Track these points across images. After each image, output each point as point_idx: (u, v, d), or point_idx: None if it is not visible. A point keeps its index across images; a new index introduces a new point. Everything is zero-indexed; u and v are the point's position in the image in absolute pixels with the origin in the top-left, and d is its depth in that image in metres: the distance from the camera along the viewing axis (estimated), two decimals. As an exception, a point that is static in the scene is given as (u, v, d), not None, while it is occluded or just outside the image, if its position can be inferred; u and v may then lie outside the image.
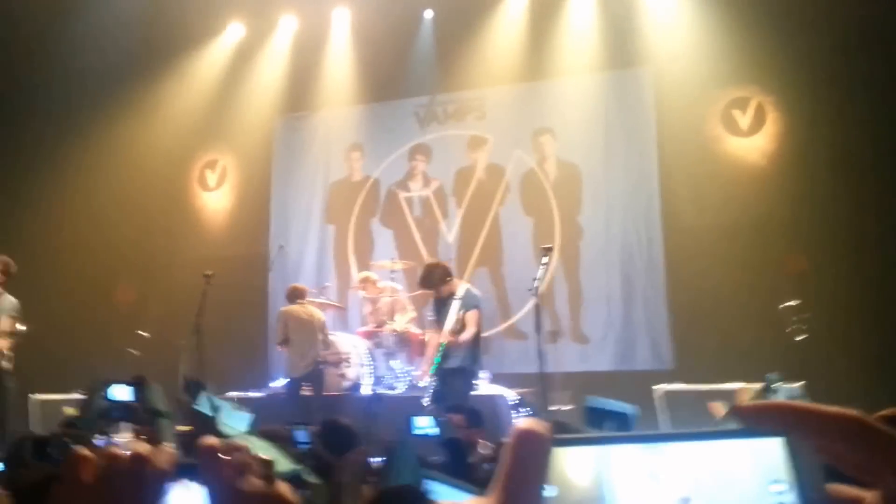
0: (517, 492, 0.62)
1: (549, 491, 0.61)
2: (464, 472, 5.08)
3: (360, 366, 10.39)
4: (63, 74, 12.81)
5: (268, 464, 0.74)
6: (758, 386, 7.66)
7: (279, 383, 10.90)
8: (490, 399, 9.43)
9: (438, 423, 6.77)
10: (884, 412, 0.64)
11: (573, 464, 0.62)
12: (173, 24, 12.94)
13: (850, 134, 10.08)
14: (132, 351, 10.98)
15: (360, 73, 13.23)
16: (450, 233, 12.57)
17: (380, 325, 10.72)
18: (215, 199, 14.16)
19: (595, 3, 12.08)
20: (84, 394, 4.85)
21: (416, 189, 12.96)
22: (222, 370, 10.57)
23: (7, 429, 8.61)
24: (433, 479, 2.77)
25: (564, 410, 9.52)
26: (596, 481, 0.62)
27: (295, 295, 10.42)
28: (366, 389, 10.29)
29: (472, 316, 8.66)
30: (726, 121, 11.24)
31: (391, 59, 12.96)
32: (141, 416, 4.88)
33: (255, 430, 4.45)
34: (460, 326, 8.61)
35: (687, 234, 11.04)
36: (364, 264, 12.45)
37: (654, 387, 8.92)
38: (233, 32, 13.89)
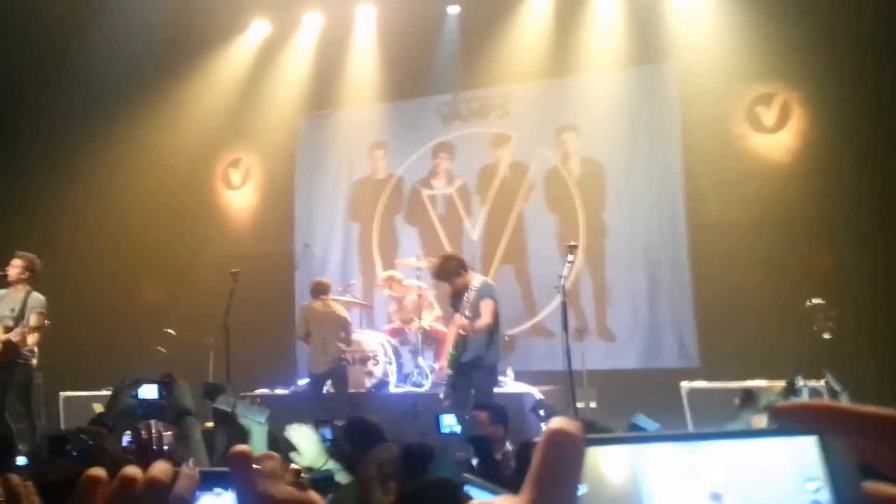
0: (549, 492, 0.61)
1: (580, 489, 0.61)
2: (491, 469, 5.09)
3: (386, 363, 10.39)
4: (88, 73, 12.87)
5: (298, 472, 0.74)
6: (781, 384, 7.63)
7: (305, 381, 10.93)
8: (515, 397, 9.43)
9: (461, 421, 6.74)
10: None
11: (607, 463, 0.62)
12: (198, 22, 12.98)
13: (875, 130, 10.01)
14: (160, 349, 11.05)
15: (383, 71, 13.23)
16: (474, 230, 12.57)
17: (406, 322, 10.73)
18: (240, 197, 14.22)
19: (619, -1, 12.05)
20: (112, 391, 4.87)
21: (440, 187, 12.97)
22: (250, 368, 10.63)
23: (35, 425, 8.71)
24: (466, 481, 2.77)
25: (590, 408, 9.52)
26: (630, 480, 0.62)
27: (318, 290, 10.39)
28: (392, 387, 10.32)
29: (486, 305, 8.46)
30: (751, 117, 11.18)
31: (415, 57, 12.96)
32: (168, 414, 4.89)
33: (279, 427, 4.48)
34: (474, 315, 8.43)
35: (712, 231, 10.98)
36: (389, 262, 12.48)
37: (681, 383, 8.89)
38: (257, 30, 13.92)
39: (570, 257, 8.36)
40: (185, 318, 11.84)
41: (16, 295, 8.69)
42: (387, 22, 13.12)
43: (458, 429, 6.61)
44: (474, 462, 5.20)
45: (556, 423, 0.62)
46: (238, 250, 12.89)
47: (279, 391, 10.85)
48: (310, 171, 13.81)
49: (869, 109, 10.01)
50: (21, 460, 4.82)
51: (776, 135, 11.06)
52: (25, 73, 12.76)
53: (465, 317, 8.39)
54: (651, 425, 5.29)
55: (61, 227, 12.51)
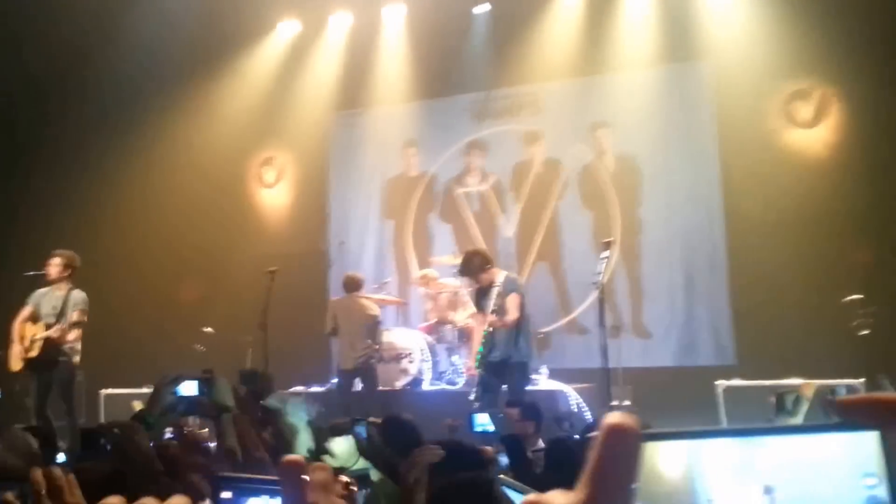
0: (607, 488, 0.61)
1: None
2: (521, 468, 5.06)
3: (422, 361, 10.39)
4: (120, 74, 12.96)
5: (347, 483, 0.75)
6: (818, 382, 7.57)
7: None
8: (549, 394, 9.41)
9: (495, 420, 6.73)
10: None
11: (662, 458, 0.63)
12: (227, 22, 13.05)
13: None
14: (199, 347, 11.13)
15: (413, 70, 13.22)
16: (508, 227, 12.56)
17: (441, 320, 10.72)
18: (273, 196, 14.29)
19: (652, -5, 11.97)
20: (154, 388, 4.91)
21: (474, 184, 12.97)
22: (285, 366, 10.66)
23: (76, 423, 8.79)
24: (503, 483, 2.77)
25: (624, 406, 9.48)
26: (685, 475, 0.63)
27: (350, 285, 10.36)
28: (427, 385, 10.33)
29: (512, 300, 8.34)
30: (788, 112, 11.08)
31: (445, 55, 12.94)
32: (207, 411, 4.93)
33: (325, 425, 4.47)
34: (500, 311, 8.31)
35: (748, 226, 10.89)
36: (424, 259, 12.49)
37: (717, 382, 8.84)
38: (286, 30, 13.94)
39: (606, 253, 8.26)
40: (221, 317, 11.90)
41: (57, 293, 8.73)
42: (416, 20, 13.13)
43: (491, 427, 6.60)
44: (504, 461, 5.16)
45: (615, 417, 0.62)
46: (272, 249, 12.93)
47: (314, 389, 10.88)
48: (342, 170, 13.85)
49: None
50: (61, 457, 4.88)
51: (813, 130, 10.96)
52: (58, 74, 12.85)
53: (493, 312, 8.34)
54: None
55: (97, 229, 12.58)
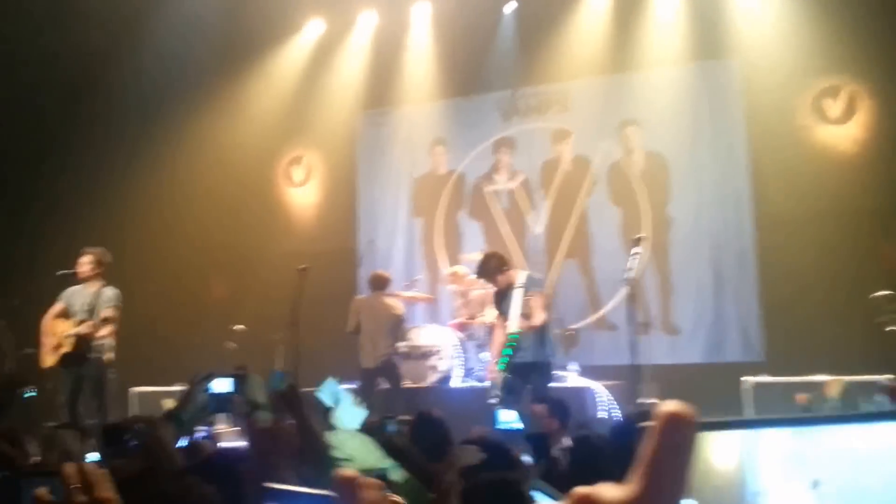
0: (663, 479, 0.59)
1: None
2: (544, 466, 5.03)
3: (451, 358, 10.38)
4: (148, 76, 13.02)
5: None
6: (846, 378, 7.52)
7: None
8: (577, 391, 9.38)
9: (523, 418, 6.69)
10: None
11: (714, 448, 0.63)
12: (253, 21, 13.08)
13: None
14: (229, 344, 11.18)
15: (440, 68, 13.21)
16: (537, 225, 12.54)
17: (471, 317, 10.71)
18: (302, 194, 14.33)
19: (680, -8, 11.90)
20: (187, 385, 4.90)
21: (502, 182, 12.96)
22: (314, 364, 10.68)
23: (106, 420, 8.82)
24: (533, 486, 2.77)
25: (652, 403, 9.43)
26: (739, 465, 0.63)
27: (376, 283, 10.38)
28: (458, 381, 10.32)
29: (537, 300, 8.24)
30: (817, 109, 10.99)
31: (472, 54, 12.92)
32: (239, 408, 4.95)
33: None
34: (526, 312, 8.14)
35: (778, 223, 10.83)
36: (453, 257, 12.50)
37: (742, 378, 8.79)
38: (313, 29, 13.96)
39: (637, 249, 8.16)
40: (250, 315, 11.95)
41: (89, 290, 8.72)
42: (443, 19, 13.11)
43: (517, 425, 6.54)
44: (528, 459, 5.10)
45: (670, 406, 0.61)
46: (302, 247, 12.95)
47: (343, 387, 10.88)
48: (371, 168, 13.87)
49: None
50: (94, 455, 4.90)
51: (843, 126, 10.87)
52: (87, 77, 12.92)
53: (522, 315, 8.24)
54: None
55: (127, 229, 12.62)
